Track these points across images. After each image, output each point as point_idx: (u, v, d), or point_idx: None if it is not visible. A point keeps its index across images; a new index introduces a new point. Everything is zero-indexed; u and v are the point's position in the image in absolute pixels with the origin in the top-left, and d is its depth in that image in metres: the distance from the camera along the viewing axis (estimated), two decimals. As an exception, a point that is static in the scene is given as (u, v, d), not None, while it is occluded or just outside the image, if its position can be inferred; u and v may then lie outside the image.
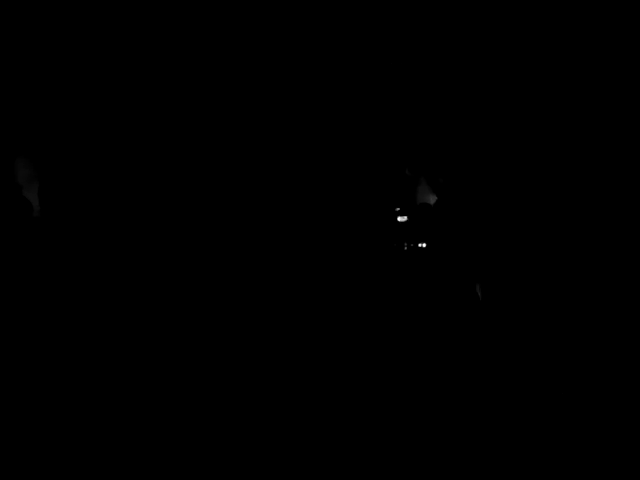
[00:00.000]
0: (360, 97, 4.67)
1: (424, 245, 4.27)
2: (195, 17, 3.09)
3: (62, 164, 3.98)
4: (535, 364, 2.30)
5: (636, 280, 3.26)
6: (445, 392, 2.57)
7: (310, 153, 5.20)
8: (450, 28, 3.31)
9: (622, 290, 3.26)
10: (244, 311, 4.03)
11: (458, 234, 2.65)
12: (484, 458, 1.94)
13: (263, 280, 4.43)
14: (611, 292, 3.27)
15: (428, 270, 3.79)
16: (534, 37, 3.53)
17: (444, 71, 4.06)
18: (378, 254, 4.61)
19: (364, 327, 3.80)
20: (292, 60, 3.84)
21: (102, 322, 3.54)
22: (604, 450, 1.94)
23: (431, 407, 2.44)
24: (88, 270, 3.77)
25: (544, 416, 2.18)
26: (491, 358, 2.36)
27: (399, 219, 4.90)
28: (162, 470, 1.92)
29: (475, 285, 2.58)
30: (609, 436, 2.04)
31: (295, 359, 3.30)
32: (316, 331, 3.80)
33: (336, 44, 3.62)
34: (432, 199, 4.34)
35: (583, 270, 3.39)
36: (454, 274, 2.81)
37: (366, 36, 3.53)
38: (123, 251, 4.01)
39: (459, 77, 4.13)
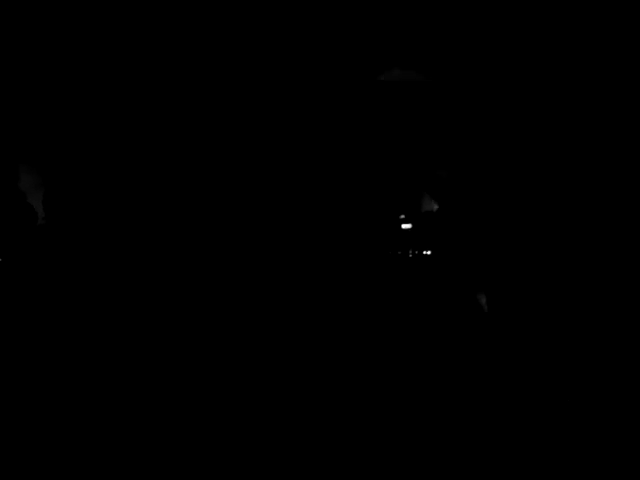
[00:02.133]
0: (364, 103, 4.67)
1: (429, 252, 4.26)
2: (195, 18, 3.09)
3: (66, 170, 3.99)
4: (538, 370, 2.28)
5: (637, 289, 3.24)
6: (449, 397, 2.55)
7: (314, 160, 5.20)
8: (450, 30, 3.30)
9: (625, 298, 3.23)
10: (246, 315, 4.02)
11: (462, 242, 2.63)
12: (485, 459, 1.92)
13: (267, 287, 4.42)
14: (613, 300, 3.24)
15: (433, 277, 3.76)
16: (533, 39, 3.52)
17: (446, 75, 4.05)
18: (383, 261, 4.59)
19: (368, 334, 3.78)
20: (295, 60, 3.84)
21: (105, 327, 3.53)
22: (604, 450, 1.92)
23: (437, 412, 2.42)
24: (92, 276, 3.77)
25: (546, 419, 2.16)
26: (494, 364, 2.34)
27: (404, 226, 4.89)
28: (162, 470, 1.91)
29: (479, 293, 2.56)
30: (609, 437, 2.02)
31: (298, 366, 3.29)
32: (319, 338, 3.78)
33: (341, 45, 3.61)
34: (436, 207, 4.31)
35: (587, 278, 3.36)
36: (458, 282, 2.79)
37: (370, 38, 3.52)
38: (127, 257, 4.01)
39: (461, 82, 4.12)
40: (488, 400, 2.32)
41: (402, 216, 4.78)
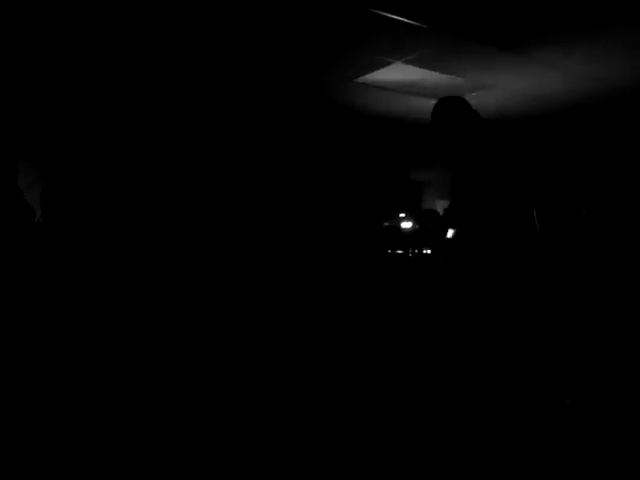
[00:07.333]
0: (366, 103, 4.66)
1: (429, 251, 4.25)
2: (197, 19, 3.07)
3: (64, 168, 3.97)
4: (535, 370, 2.29)
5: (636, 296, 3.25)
6: (445, 395, 2.56)
7: (316, 159, 5.19)
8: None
9: (623, 303, 3.24)
10: (244, 315, 4.02)
11: (463, 241, 2.62)
12: (484, 458, 1.92)
13: (268, 286, 4.41)
14: (611, 302, 3.25)
15: (432, 276, 3.76)
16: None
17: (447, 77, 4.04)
18: (382, 259, 4.59)
19: (367, 331, 3.78)
20: (296, 62, 3.82)
21: (103, 325, 3.51)
22: (604, 450, 1.93)
23: (432, 410, 2.42)
24: (90, 274, 3.75)
25: (543, 418, 2.18)
26: (491, 363, 2.35)
27: (404, 225, 4.89)
28: (162, 470, 1.90)
29: (478, 291, 2.55)
30: (609, 437, 2.04)
31: (297, 364, 3.29)
32: (318, 336, 3.78)
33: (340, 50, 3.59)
34: (437, 205, 4.29)
35: (585, 278, 3.36)
36: (458, 280, 2.78)
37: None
38: (124, 255, 3.99)
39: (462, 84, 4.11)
40: (482, 397, 2.33)
41: (402, 215, 4.78)
